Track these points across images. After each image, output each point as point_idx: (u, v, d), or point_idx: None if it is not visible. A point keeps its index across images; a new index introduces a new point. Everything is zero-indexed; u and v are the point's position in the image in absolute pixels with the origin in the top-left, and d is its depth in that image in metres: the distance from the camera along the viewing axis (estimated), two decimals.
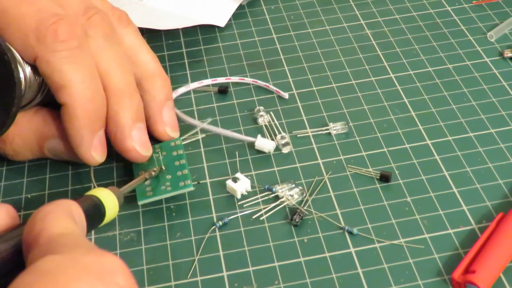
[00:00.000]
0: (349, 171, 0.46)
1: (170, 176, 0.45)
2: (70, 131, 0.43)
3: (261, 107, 0.51)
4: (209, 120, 0.50)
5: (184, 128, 0.50)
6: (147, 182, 0.44)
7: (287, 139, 0.48)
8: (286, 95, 0.52)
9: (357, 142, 0.48)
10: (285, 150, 0.48)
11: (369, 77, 0.54)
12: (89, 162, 0.44)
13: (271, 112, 0.51)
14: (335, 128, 0.49)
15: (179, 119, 0.50)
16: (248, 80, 0.54)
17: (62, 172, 0.48)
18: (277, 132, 0.49)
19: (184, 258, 0.41)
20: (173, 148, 0.47)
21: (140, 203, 0.43)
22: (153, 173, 0.44)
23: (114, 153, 0.48)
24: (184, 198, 0.45)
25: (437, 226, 0.42)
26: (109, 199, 0.38)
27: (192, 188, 0.44)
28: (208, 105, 0.52)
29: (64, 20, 0.42)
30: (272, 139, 0.48)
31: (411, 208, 0.43)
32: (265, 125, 0.50)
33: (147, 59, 0.48)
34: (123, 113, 0.44)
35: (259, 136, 0.48)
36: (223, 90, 0.53)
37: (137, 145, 0.45)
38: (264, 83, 0.53)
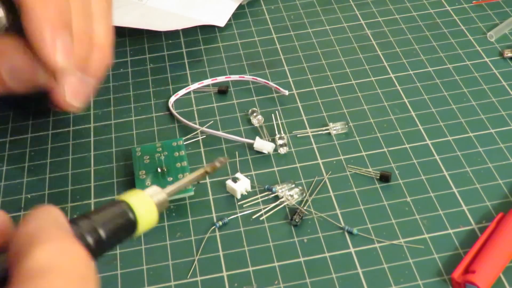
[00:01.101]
0: (349, 171, 0.46)
1: (171, 178, 0.45)
2: (29, 28, 0.38)
3: (255, 108, 0.51)
4: (209, 124, 0.50)
5: (183, 129, 0.50)
6: (147, 183, 0.44)
7: (285, 140, 0.48)
8: (286, 92, 0.52)
9: (357, 142, 0.48)
10: (282, 150, 0.48)
11: (369, 77, 0.54)
12: (54, 67, 0.39)
13: (271, 113, 0.51)
14: (335, 128, 0.49)
15: (179, 122, 0.50)
16: (247, 77, 0.54)
17: (62, 172, 0.48)
18: (276, 132, 0.49)
19: (184, 258, 0.41)
20: (175, 148, 0.47)
21: None
22: (218, 164, 0.37)
23: (114, 153, 0.48)
24: (184, 198, 0.45)
25: (437, 226, 0.42)
26: (144, 209, 0.30)
27: (192, 193, 0.44)
28: (208, 105, 0.52)
29: None
30: (271, 140, 0.48)
31: (411, 208, 0.43)
32: (263, 126, 0.50)
33: (99, 28, 0.44)
34: (42, 10, 0.39)
35: (257, 138, 0.48)
36: (223, 91, 0.53)
37: (61, 55, 0.39)
38: (263, 80, 0.53)
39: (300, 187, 0.45)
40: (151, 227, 0.31)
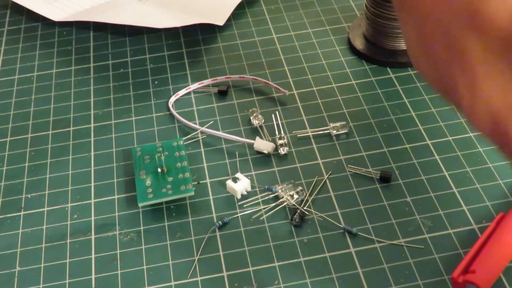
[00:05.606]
0: (349, 171, 0.46)
1: (171, 179, 0.45)
2: None
3: (255, 108, 0.51)
4: (209, 124, 0.50)
5: (183, 129, 0.50)
6: (148, 183, 0.44)
7: (285, 140, 0.48)
8: (286, 92, 0.52)
9: (357, 142, 0.48)
10: (282, 150, 0.48)
11: (369, 77, 0.54)
12: None
13: (271, 113, 0.51)
14: (335, 128, 0.49)
15: (179, 122, 0.50)
16: (247, 77, 0.54)
17: (62, 172, 0.48)
18: (276, 132, 0.49)
19: (184, 258, 0.41)
20: (175, 148, 0.47)
21: (140, 205, 0.44)
22: None
23: (114, 153, 0.48)
24: (184, 198, 0.45)
25: (437, 226, 0.42)
26: None
27: (192, 193, 0.44)
28: (208, 105, 0.52)
29: None
30: (271, 140, 0.48)
31: (411, 208, 0.43)
32: (263, 126, 0.50)
33: None
34: None
35: (257, 138, 0.48)
36: (223, 91, 0.53)
37: None
38: (263, 80, 0.53)
39: (300, 187, 0.45)
40: None
